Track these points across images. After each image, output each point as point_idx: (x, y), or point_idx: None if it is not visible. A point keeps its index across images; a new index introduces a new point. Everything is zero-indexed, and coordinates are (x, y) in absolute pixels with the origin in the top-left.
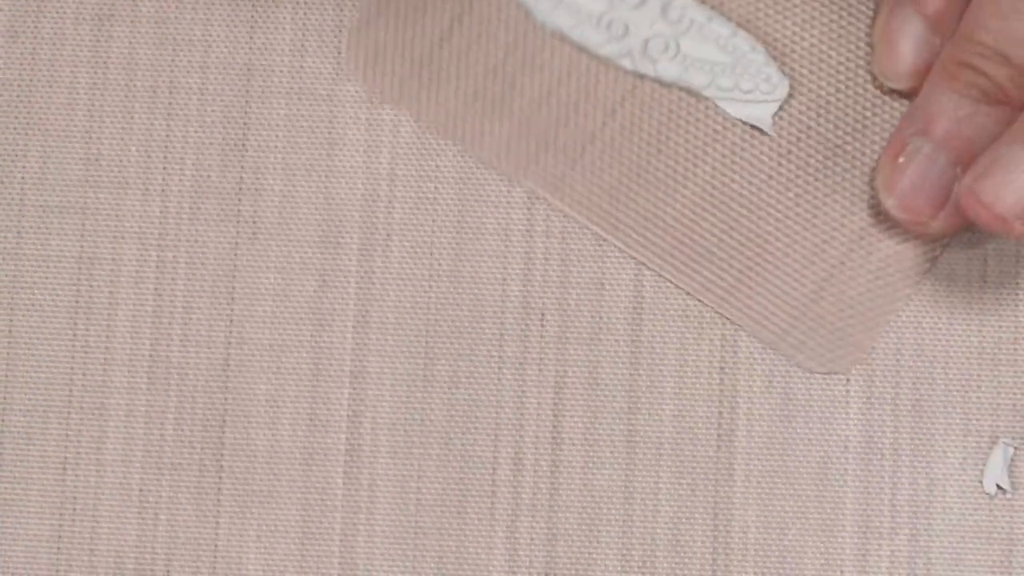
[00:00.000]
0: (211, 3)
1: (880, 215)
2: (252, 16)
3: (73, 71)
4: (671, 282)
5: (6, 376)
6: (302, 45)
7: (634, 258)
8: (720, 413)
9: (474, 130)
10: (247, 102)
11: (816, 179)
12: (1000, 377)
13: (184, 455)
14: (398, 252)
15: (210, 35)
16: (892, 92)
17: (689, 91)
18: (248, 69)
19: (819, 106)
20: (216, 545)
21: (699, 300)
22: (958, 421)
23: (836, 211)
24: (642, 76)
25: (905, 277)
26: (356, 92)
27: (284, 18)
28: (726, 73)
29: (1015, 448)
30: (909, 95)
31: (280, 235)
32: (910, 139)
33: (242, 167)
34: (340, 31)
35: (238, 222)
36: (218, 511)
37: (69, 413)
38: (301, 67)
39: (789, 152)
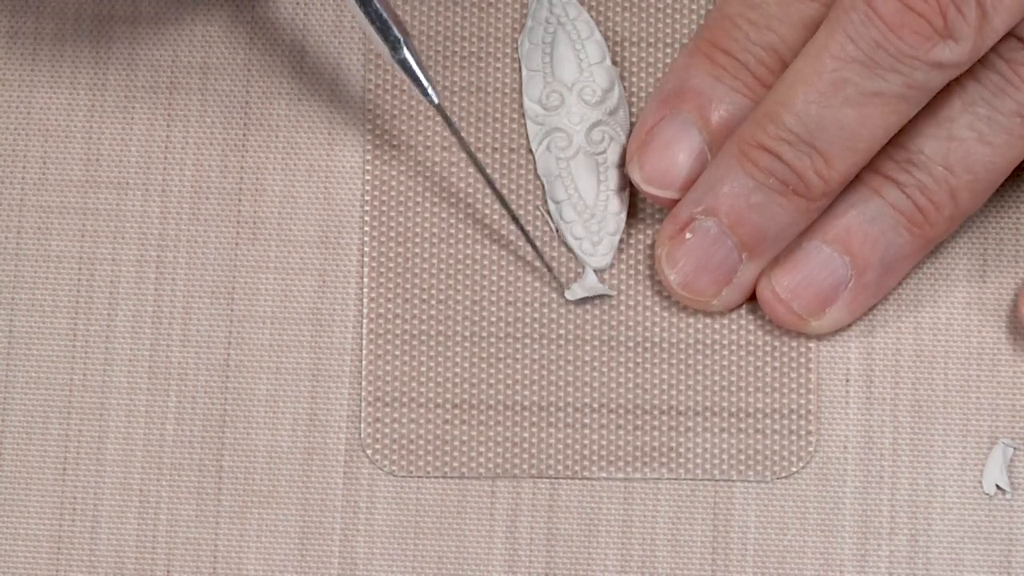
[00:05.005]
0: (211, 3)
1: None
2: (252, 16)
3: (73, 71)
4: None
5: (6, 376)
6: (302, 45)
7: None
8: None
9: None
10: (247, 102)
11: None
12: (1000, 377)
13: (184, 455)
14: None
15: (210, 35)
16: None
17: (544, 184)
18: (248, 69)
19: None
20: (216, 545)
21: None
22: (958, 421)
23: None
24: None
25: None
26: (356, 92)
27: (284, 18)
28: (577, 208)
29: (1014, 448)
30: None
31: (280, 235)
32: (697, 216)
33: (242, 167)
34: (340, 31)
35: (238, 222)
36: (218, 511)
37: (69, 413)
38: (301, 67)
39: None
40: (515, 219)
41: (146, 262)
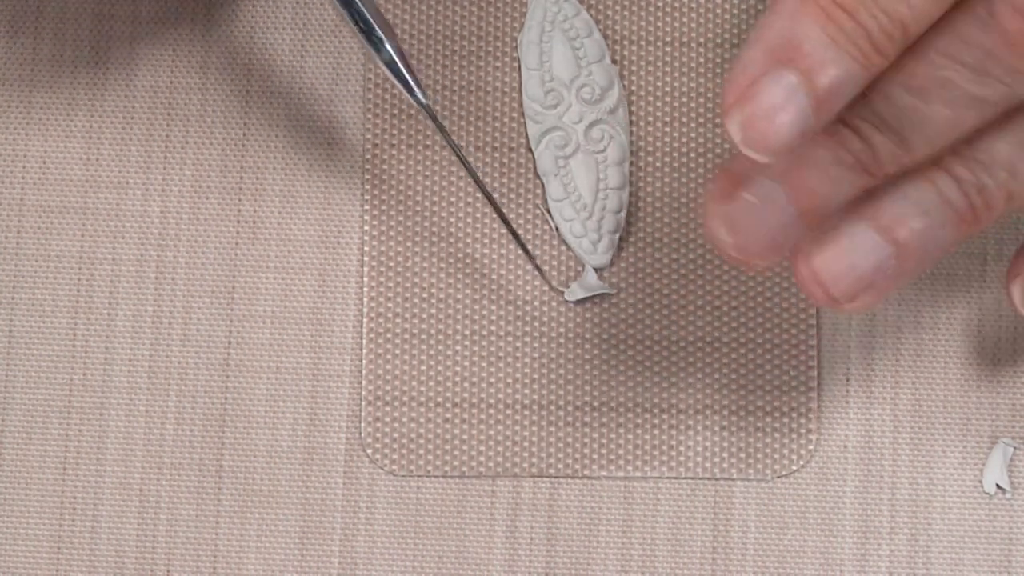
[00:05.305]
0: (211, 3)
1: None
2: (252, 16)
3: (73, 71)
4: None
5: (6, 376)
6: (302, 45)
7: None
8: None
9: None
10: (247, 102)
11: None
12: (1000, 377)
13: (184, 455)
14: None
15: (210, 35)
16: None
17: (543, 183)
18: (248, 69)
19: None
20: (216, 545)
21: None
22: (958, 421)
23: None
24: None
25: None
26: (356, 92)
27: (284, 18)
28: (576, 206)
29: (1015, 448)
30: (751, 164)
31: (280, 235)
32: (760, 178)
33: (242, 167)
34: (340, 30)
35: (238, 222)
36: (218, 511)
37: (69, 413)
38: (301, 67)
39: None
40: (504, 219)
41: (146, 262)
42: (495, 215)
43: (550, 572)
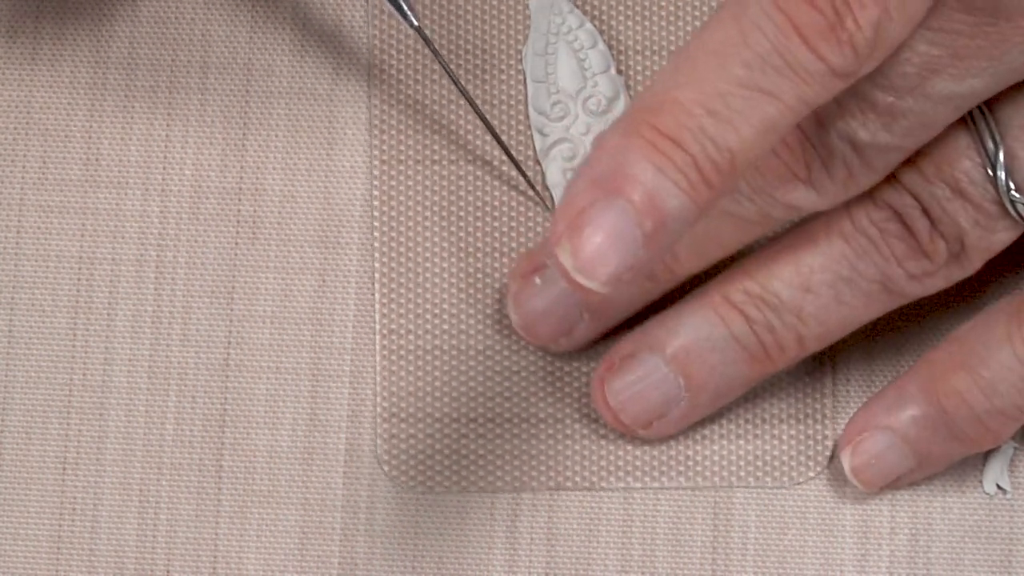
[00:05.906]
0: (211, 3)
1: None
2: (252, 16)
3: (73, 71)
4: None
5: (6, 376)
6: (302, 45)
7: None
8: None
9: None
10: (247, 102)
11: None
12: None
13: (184, 455)
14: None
15: (210, 35)
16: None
17: (551, 195)
18: (248, 69)
19: None
20: (216, 545)
21: None
22: None
23: None
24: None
25: None
26: (356, 92)
27: (284, 18)
28: None
29: (1015, 448)
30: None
31: (280, 235)
32: (551, 263)
33: (242, 167)
34: (340, 31)
35: (238, 222)
36: (218, 511)
37: (69, 413)
38: (301, 67)
39: None
40: (499, 140)
41: (146, 262)
42: (511, 227)
43: (550, 572)
